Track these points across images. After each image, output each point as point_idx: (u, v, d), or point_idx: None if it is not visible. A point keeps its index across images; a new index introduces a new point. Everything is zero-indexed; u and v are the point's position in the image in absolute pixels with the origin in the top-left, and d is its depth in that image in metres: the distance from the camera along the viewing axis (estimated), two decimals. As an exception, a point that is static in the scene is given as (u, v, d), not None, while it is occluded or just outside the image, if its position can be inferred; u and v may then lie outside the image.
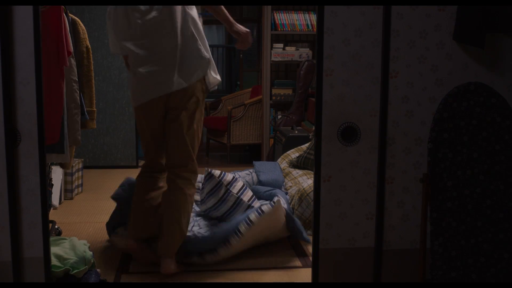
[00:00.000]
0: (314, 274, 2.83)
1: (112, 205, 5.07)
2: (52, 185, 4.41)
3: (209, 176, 3.91)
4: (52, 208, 4.84)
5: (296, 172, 4.83)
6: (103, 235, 4.25)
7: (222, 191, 3.85)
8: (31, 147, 2.67)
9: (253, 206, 3.84)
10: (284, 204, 3.92)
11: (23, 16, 2.59)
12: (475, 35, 2.70)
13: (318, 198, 2.77)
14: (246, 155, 7.59)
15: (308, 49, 6.57)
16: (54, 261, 3.05)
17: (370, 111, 2.75)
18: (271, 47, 6.49)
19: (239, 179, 4.06)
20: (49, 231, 2.76)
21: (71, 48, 3.67)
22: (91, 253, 3.24)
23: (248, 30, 3.57)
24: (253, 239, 3.68)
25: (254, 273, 3.53)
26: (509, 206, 2.54)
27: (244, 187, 3.97)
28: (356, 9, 2.68)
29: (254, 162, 4.92)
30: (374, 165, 2.78)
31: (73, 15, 4.02)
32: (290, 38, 6.75)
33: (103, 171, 6.40)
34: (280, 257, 3.75)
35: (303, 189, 4.27)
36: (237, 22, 3.55)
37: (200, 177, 4.15)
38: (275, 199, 3.93)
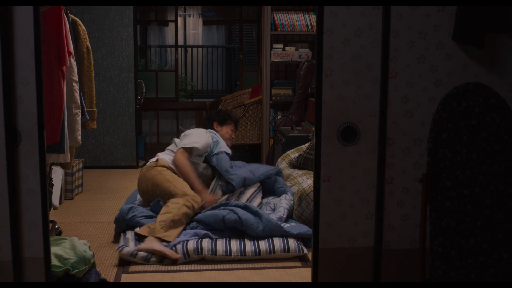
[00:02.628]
0: (314, 274, 2.83)
1: (112, 204, 5.07)
2: (53, 185, 4.41)
3: None
4: (52, 208, 4.85)
5: (296, 172, 4.83)
6: (103, 235, 4.25)
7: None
8: (31, 147, 2.67)
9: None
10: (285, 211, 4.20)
11: (23, 16, 2.59)
12: (474, 36, 2.71)
13: (317, 198, 2.78)
14: (246, 155, 7.59)
15: (308, 49, 6.57)
16: (54, 261, 3.05)
17: (370, 111, 2.75)
18: (271, 48, 6.49)
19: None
20: (49, 231, 2.77)
21: (72, 48, 3.68)
22: (91, 253, 3.25)
23: (215, 199, 4.25)
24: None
25: (254, 272, 3.53)
26: (508, 206, 2.55)
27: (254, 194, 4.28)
28: (355, 10, 2.68)
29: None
30: (373, 165, 2.78)
31: (74, 15, 4.03)
32: (290, 39, 6.76)
33: (103, 171, 6.41)
34: (280, 257, 3.75)
35: (303, 189, 4.27)
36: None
37: None
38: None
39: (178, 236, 3.86)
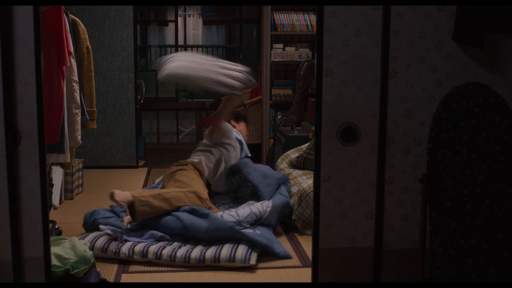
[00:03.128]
0: (314, 274, 2.83)
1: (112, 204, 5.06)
2: (53, 185, 4.41)
3: None
4: (52, 208, 4.84)
5: (296, 172, 4.83)
6: (103, 235, 4.25)
7: None
8: (31, 147, 2.67)
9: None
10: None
11: (23, 16, 2.60)
12: (474, 35, 2.71)
13: (318, 198, 2.78)
14: (246, 155, 7.58)
15: (308, 49, 6.57)
16: (54, 261, 3.05)
17: (370, 111, 2.75)
18: (271, 48, 6.49)
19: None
20: (49, 231, 2.77)
21: (71, 48, 3.68)
22: (91, 252, 3.25)
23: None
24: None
25: (254, 272, 3.53)
26: (508, 206, 2.55)
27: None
28: (355, 10, 2.68)
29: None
30: (373, 165, 2.78)
31: (73, 15, 4.03)
32: (290, 39, 6.75)
33: (103, 171, 6.41)
34: (280, 257, 3.75)
35: (303, 189, 4.27)
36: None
37: None
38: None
39: (149, 210, 3.87)
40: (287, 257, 3.73)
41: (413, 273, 2.75)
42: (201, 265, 3.59)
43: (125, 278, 3.44)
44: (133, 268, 3.59)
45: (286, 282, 3.39)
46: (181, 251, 3.64)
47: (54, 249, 3.11)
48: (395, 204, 2.81)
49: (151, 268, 3.58)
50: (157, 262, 3.64)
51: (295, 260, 3.73)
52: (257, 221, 4.05)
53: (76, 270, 3.09)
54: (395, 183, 2.80)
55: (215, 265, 3.59)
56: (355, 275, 2.84)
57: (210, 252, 3.61)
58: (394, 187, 2.80)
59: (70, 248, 3.20)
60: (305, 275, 3.48)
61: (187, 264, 3.60)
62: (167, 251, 3.65)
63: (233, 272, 3.54)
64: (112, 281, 3.38)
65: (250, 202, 4.32)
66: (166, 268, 3.59)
